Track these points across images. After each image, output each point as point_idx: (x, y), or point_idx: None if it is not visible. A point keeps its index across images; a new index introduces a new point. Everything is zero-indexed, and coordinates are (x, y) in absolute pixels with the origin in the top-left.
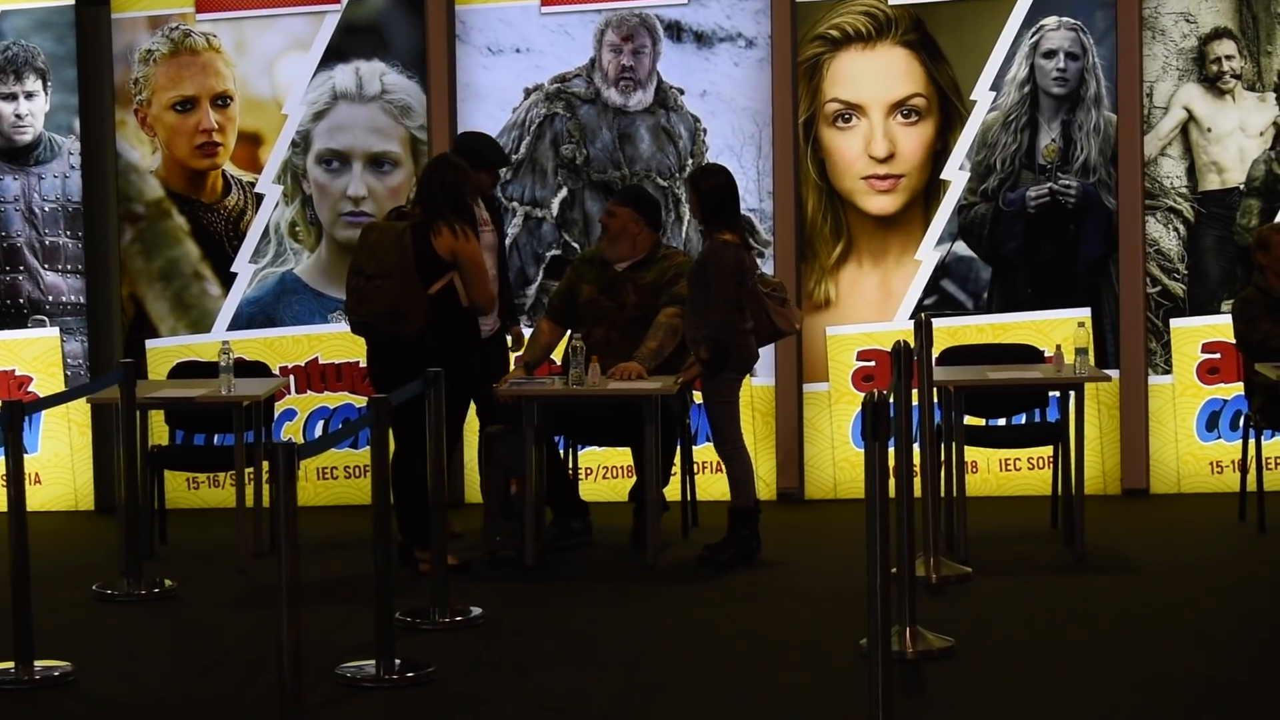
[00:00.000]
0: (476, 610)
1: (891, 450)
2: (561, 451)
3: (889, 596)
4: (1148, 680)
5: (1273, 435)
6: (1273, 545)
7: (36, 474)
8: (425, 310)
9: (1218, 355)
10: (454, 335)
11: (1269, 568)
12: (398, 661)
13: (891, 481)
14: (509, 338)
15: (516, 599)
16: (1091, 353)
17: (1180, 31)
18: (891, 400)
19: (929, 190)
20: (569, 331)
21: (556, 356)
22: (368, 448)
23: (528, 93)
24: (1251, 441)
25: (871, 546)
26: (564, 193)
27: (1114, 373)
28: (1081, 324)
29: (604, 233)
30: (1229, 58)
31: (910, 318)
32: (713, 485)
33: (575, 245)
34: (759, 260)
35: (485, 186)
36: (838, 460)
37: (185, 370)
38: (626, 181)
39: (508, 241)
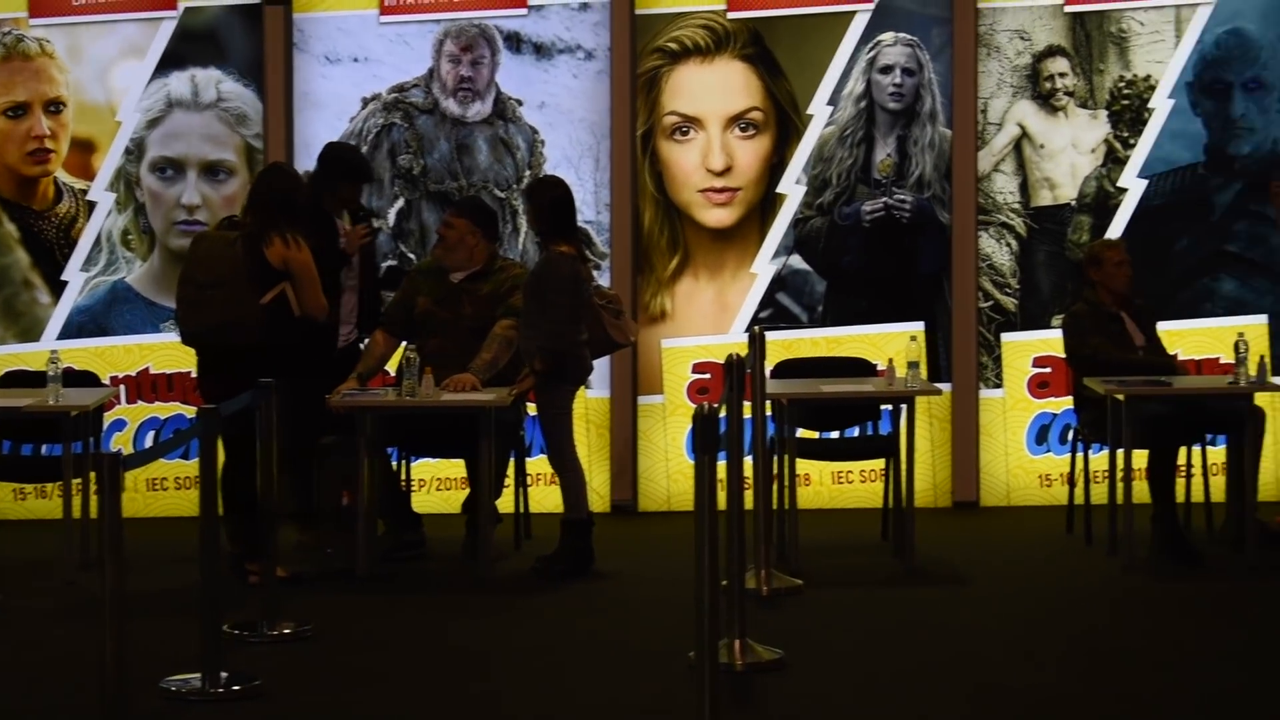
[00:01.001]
0: (307, 623)
1: (724, 463)
2: (395, 463)
3: (718, 608)
4: (975, 690)
5: (1100, 449)
6: (1099, 557)
7: None
8: (258, 320)
9: (1048, 370)
10: (288, 344)
11: (1095, 579)
12: (224, 675)
13: (724, 494)
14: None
15: (348, 611)
16: (924, 366)
17: (1015, 49)
18: (723, 413)
19: (765, 204)
20: (404, 343)
21: (392, 368)
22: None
23: (365, 102)
24: (1080, 455)
25: (700, 559)
26: (401, 203)
27: (946, 386)
28: (914, 338)
29: (440, 243)
30: (1062, 75)
31: (746, 330)
32: (546, 497)
33: (412, 256)
34: (595, 272)
35: (351, 200)
36: (671, 472)
37: (13, 380)
38: (464, 192)
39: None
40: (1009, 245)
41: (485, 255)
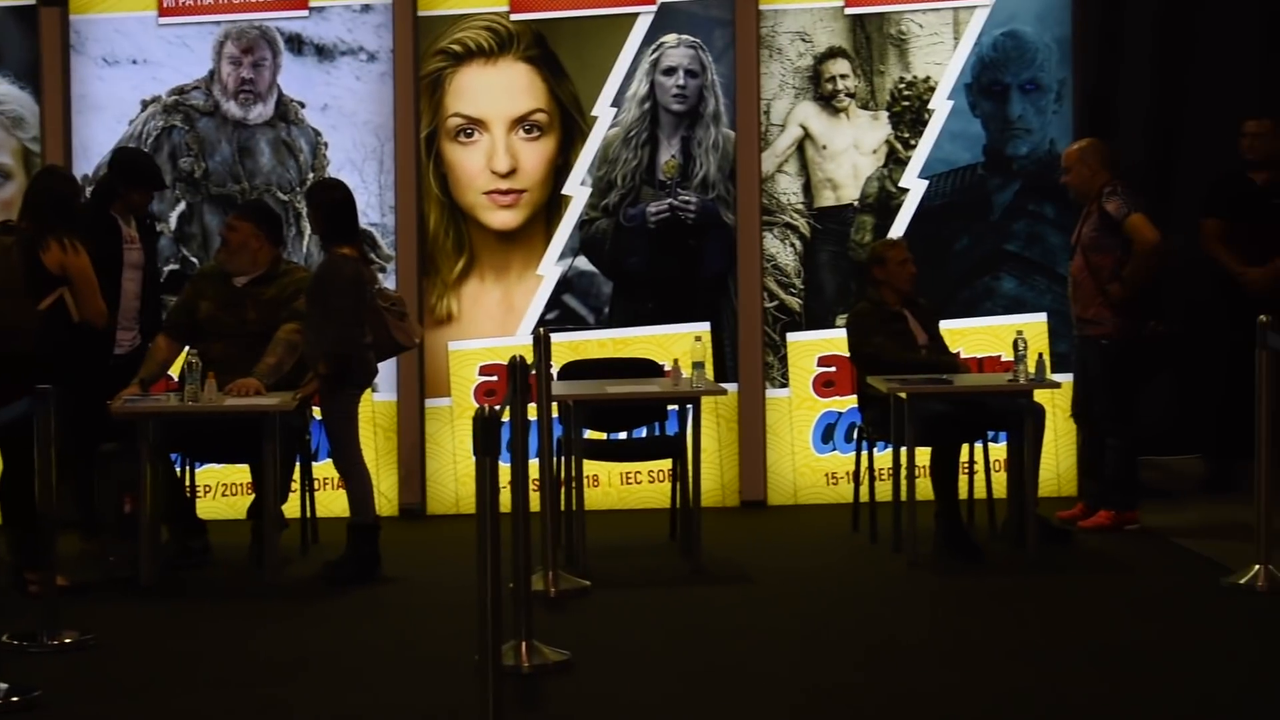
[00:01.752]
0: (89, 633)
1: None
2: (179, 469)
3: (500, 611)
4: (761, 688)
5: (885, 447)
6: (884, 554)
7: None
8: (35, 326)
9: (833, 369)
10: (67, 351)
11: (880, 576)
12: (3, 686)
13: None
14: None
15: (131, 620)
16: (710, 366)
17: (796, 50)
18: (507, 416)
19: (551, 206)
20: (186, 348)
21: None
22: None
23: (145, 104)
24: (864, 454)
25: (482, 561)
26: (182, 206)
27: (732, 386)
28: (699, 338)
29: (224, 246)
30: (843, 76)
31: (532, 332)
32: (334, 501)
33: (194, 260)
34: (381, 275)
35: (140, 205)
36: (459, 475)
37: None
38: (246, 195)
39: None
40: (793, 245)
41: (269, 259)
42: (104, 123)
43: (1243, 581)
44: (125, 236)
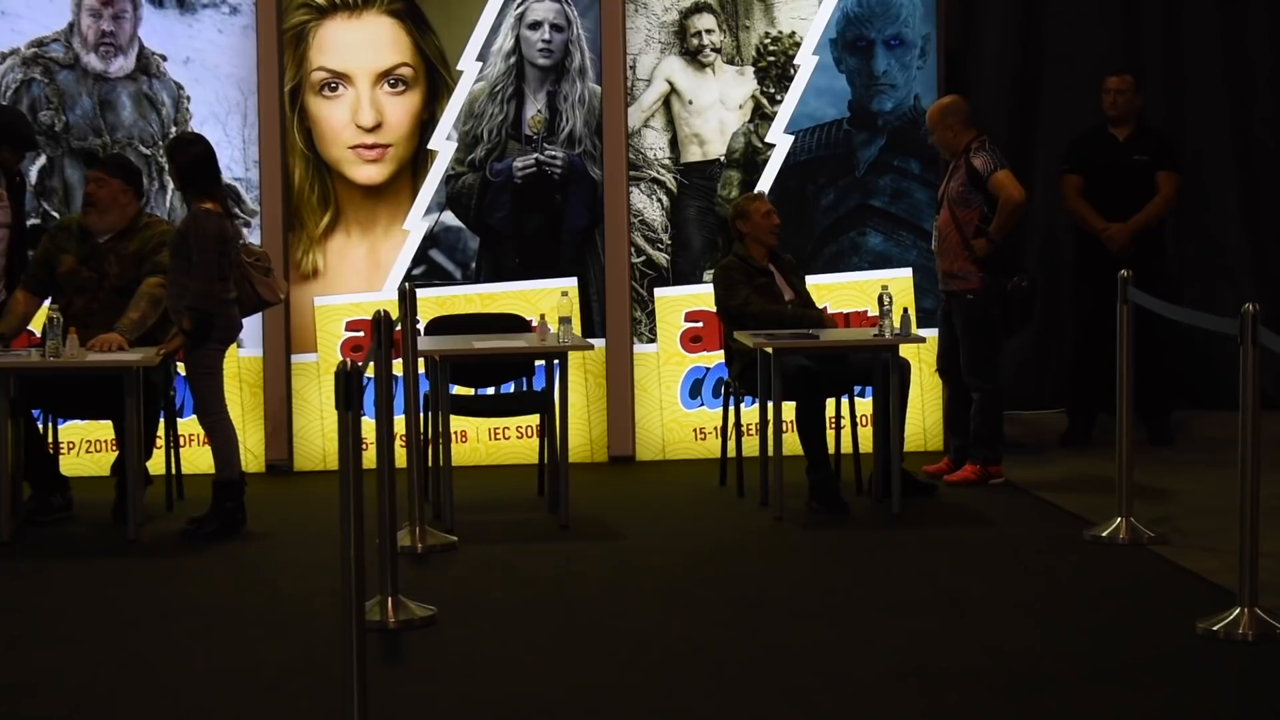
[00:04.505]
0: None
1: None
2: (41, 425)
3: (364, 567)
4: (626, 642)
5: (752, 403)
6: (752, 509)
7: None
8: None
9: (700, 324)
10: None
11: (747, 531)
12: None
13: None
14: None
15: None
16: (577, 322)
17: (662, 5)
18: (373, 371)
19: (416, 160)
20: (46, 302)
21: (36, 328)
22: None
23: (3, 57)
24: (731, 409)
25: (345, 517)
26: (43, 160)
27: (599, 342)
28: (565, 293)
29: (90, 204)
30: (709, 31)
31: (398, 288)
32: (199, 458)
33: (55, 214)
34: (245, 230)
35: (11, 163)
36: (327, 431)
37: None
38: (108, 150)
39: None
40: (660, 201)
41: (133, 214)
42: None
43: (1105, 534)
44: None
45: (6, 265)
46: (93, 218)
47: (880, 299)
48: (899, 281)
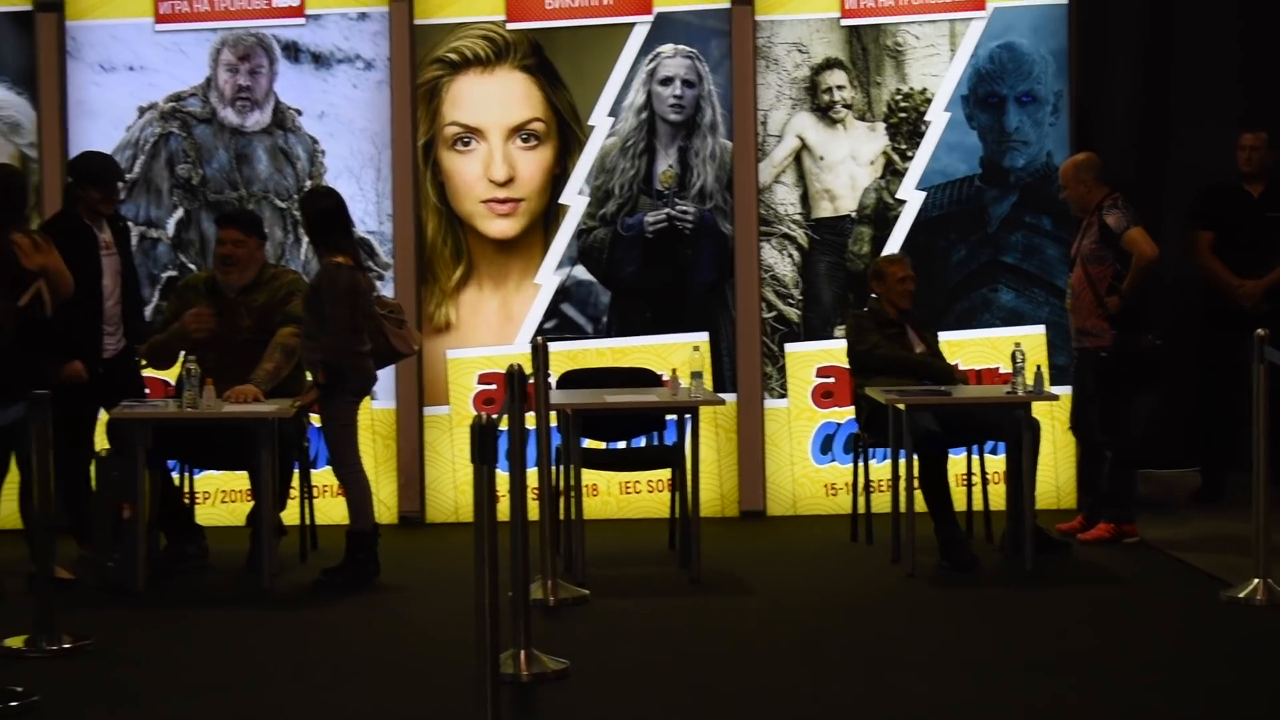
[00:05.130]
0: (86, 637)
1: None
2: (177, 476)
3: (498, 619)
4: (758, 700)
5: (883, 458)
6: (882, 564)
7: None
8: (12, 325)
9: (832, 380)
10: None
11: (878, 587)
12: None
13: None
14: (141, 360)
15: (128, 626)
16: (708, 376)
17: (793, 61)
18: (506, 424)
19: (548, 214)
20: (181, 355)
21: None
22: None
23: (142, 111)
24: (862, 465)
25: (480, 569)
26: (180, 213)
27: (731, 396)
28: (697, 348)
29: (232, 264)
30: (840, 88)
31: (530, 341)
32: (333, 509)
33: (192, 266)
34: (379, 282)
35: (98, 203)
36: (459, 484)
37: None
38: (244, 203)
39: None
40: (791, 256)
41: (260, 266)
42: (100, 129)
43: (1242, 595)
44: (101, 243)
45: (120, 312)
46: (233, 276)
47: (1013, 356)
48: (1032, 338)
